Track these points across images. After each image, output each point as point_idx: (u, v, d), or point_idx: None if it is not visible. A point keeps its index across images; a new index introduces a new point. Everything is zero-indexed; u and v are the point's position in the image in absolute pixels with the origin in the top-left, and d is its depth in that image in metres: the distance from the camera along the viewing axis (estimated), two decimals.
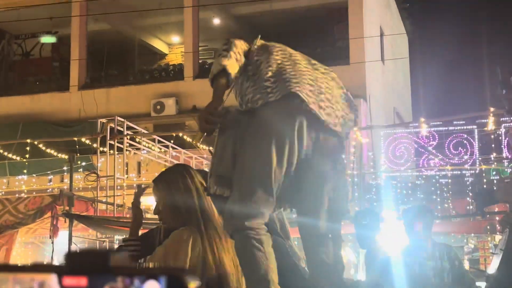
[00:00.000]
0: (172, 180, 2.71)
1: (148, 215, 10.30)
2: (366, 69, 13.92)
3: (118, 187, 10.32)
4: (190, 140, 12.07)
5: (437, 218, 9.80)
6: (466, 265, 11.41)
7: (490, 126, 9.59)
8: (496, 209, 9.02)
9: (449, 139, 12.54)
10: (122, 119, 10.77)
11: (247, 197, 2.50)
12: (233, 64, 2.57)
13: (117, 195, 10.03)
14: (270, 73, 2.57)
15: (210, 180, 2.61)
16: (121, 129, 10.75)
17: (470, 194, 10.58)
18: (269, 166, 2.50)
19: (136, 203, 2.91)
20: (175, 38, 17.79)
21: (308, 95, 2.52)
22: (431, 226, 4.51)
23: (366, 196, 11.54)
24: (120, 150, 10.68)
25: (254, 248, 2.47)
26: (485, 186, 10.25)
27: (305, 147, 2.55)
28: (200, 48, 16.02)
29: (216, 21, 16.66)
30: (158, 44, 18.10)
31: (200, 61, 15.90)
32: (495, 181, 10.06)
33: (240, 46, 2.66)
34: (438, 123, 12.29)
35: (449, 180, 11.69)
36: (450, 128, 12.57)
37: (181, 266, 2.49)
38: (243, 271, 2.56)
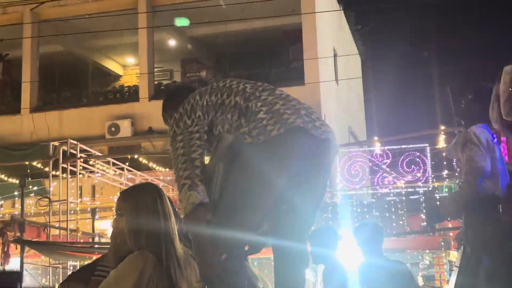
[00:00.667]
0: (141, 198, 2.64)
1: (103, 240, 10.12)
2: (321, 90, 14.12)
3: (72, 212, 10.11)
4: (146, 161, 11.95)
5: (391, 235, 9.96)
6: (421, 281, 11.60)
7: (442, 143, 9.84)
8: (450, 225, 9.22)
9: (402, 157, 12.81)
10: (75, 142, 10.58)
11: (235, 225, 2.44)
12: (200, 192, 2.46)
13: (71, 220, 9.82)
14: (260, 105, 2.53)
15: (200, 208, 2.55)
16: (75, 152, 10.55)
17: (424, 211, 10.79)
18: (264, 199, 2.46)
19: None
20: (130, 59, 17.67)
21: (304, 122, 2.46)
22: (381, 243, 4.57)
23: (323, 215, 11.62)
24: (73, 173, 10.48)
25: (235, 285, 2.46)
26: (438, 202, 10.48)
27: (310, 171, 2.53)
28: (155, 69, 15.95)
29: (172, 42, 16.65)
30: (112, 65, 17.94)
31: (156, 82, 15.83)
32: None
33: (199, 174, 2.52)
34: (392, 141, 12.52)
35: (403, 198, 11.91)
36: (403, 146, 12.84)
37: None
38: None
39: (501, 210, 2.54)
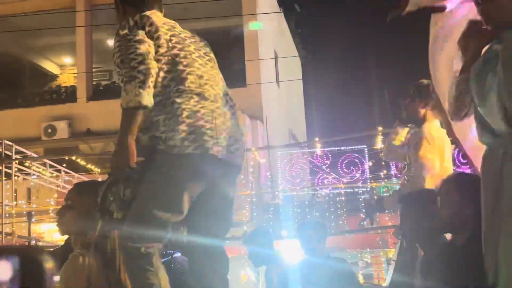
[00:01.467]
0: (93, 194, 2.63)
1: (40, 243, 9.83)
2: (262, 92, 14.22)
3: (7, 215, 9.77)
4: (84, 163, 11.69)
5: (331, 234, 10.14)
6: (361, 280, 11.84)
7: (379, 144, 10.09)
8: (390, 224, 9.46)
9: (341, 158, 13.07)
10: (11, 143, 10.23)
11: (145, 222, 2.49)
12: (150, 95, 2.47)
13: (6, 223, 9.49)
14: (186, 116, 2.54)
15: (112, 204, 2.56)
16: (10, 153, 10.20)
17: (363, 210, 11.05)
18: (170, 196, 2.53)
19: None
20: (68, 59, 17.25)
21: (223, 150, 2.58)
22: (325, 240, 4.65)
23: (265, 216, 11.71)
24: (8, 175, 10.13)
25: (147, 272, 2.47)
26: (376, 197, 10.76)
27: (214, 183, 2.62)
28: (94, 70, 15.63)
29: (111, 42, 16.29)
30: (49, 65, 17.45)
31: (94, 83, 15.51)
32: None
33: (153, 66, 2.52)
34: (331, 142, 12.74)
35: (343, 198, 12.16)
36: (342, 147, 13.11)
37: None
38: None
39: (438, 204, 2.65)
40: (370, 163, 12.84)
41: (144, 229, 2.47)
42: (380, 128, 9.26)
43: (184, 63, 2.62)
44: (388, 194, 10.05)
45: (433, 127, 3.67)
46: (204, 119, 2.55)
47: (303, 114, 22.05)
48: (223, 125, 2.61)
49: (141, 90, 2.41)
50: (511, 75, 2.26)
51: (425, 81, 3.67)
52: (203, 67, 2.71)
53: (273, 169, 13.43)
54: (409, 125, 3.84)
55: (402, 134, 3.90)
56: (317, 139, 10.70)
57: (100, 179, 3.16)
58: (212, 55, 2.92)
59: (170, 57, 2.59)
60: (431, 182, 3.41)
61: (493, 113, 2.31)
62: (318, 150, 11.74)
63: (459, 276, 2.43)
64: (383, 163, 12.26)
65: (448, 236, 2.82)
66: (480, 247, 2.32)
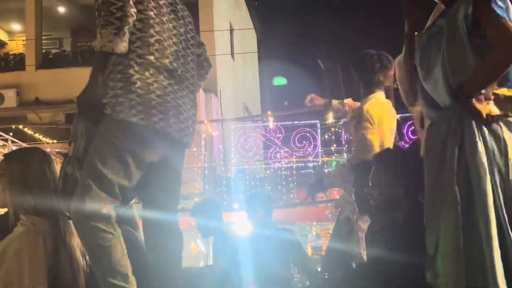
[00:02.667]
0: (29, 162, 2.56)
1: None
2: (217, 64, 14.13)
3: None
4: (32, 133, 11.41)
5: (281, 207, 10.26)
6: (310, 252, 12.07)
7: (331, 119, 10.18)
8: (338, 197, 9.61)
9: (294, 132, 13.18)
10: None
11: (94, 181, 2.46)
12: (125, 42, 2.46)
13: None
14: (138, 86, 2.51)
15: (69, 165, 2.54)
16: None
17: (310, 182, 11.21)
18: (116, 158, 2.51)
19: None
20: (16, 26, 16.68)
21: (169, 126, 2.57)
22: (271, 212, 4.70)
23: (217, 189, 11.74)
24: None
25: (102, 240, 2.44)
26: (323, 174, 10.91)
27: (158, 155, 2.62)
28: (43, 37, 15.18)
29: (61, 9, 15.88)
30: None
31: (44, 51, 15.08)
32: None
33: (131, 15, 2.47)
34: (285, 116, 12.82)
35: (294, 172, 12.30)
36: (295, 122, 13.20)
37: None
38: (93, 264, 2.52)
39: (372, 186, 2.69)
40: (323, 138, 13.01)
41: (95, 189, 2.45)
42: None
43: (157, 29, 2.58)
44: (332, 171, 10.17)
45: (375, 102, 3.52)
46: (155, 93, 2.53)
47: (258, 88, 22.05)
48: (173, 102, 2.59)
49: (115, 37, 2.41)
50: (455, 50, 2.31)
51: (365, 52, 3.56)
52: (172, 40, 2.67)
53: (226, 143, 13.44)
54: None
55: (330, 114, 3.85)
56: (269, 112, 10.72)
57: (36, 147, 3.07)
58: (190, 31, 2.85)
59: (144, 17, 2.55)
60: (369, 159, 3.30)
61: (438, 88, 2.36)
62: (271, 124, 11.79)
63: (400, 248, 2.50)
64: (333, 137, 12.43)
65: None
66: (418, 220, 2.38)
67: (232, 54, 16.63)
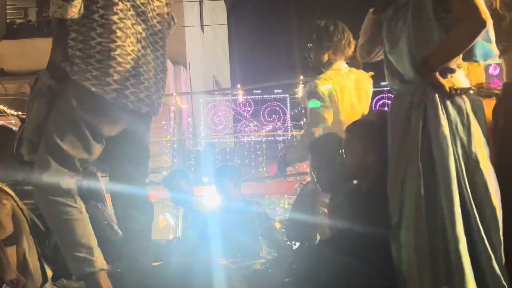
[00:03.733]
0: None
1: None
2: (186, 37, 13.96)
3: None
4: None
5: (250, 180, 10.30)
6: (278, 225, 12.19)
7: (300, 93, 10.20)
8: (308, 170, 9.66)
9: (264, 106, 13.17)
10: None
11: (52, 166, 2.44)
12: (75, 7, 2.42)
13: None
14: (97, 51, 2.47)
15: (23, 146, 2.50)
16: None
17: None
18: (73, 139, 2.50)
19: None
20: None
21: (125, 97, 2.53)
22: (239, 185, 4.72)
23: (186, 162, 11.70)
24: None
25: (64, 214, 2.43)
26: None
27: (119, 127, 2.60)
28: (7, 6, 14.76)
29: None
30: None
31: (8, 21, 14.68)
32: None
33: None
34: (258, 91, 12.79)
35: (264, 146, 12.33)
36: (265, 96, 13.19)
37: None
38: (57, 238, 2.51)
39: (343, 153, 2.71)
40: (293, 112, 13.03)
41: (54, 164, 2.43)
42: (301, 77, 9.36)
43: None
44: (292, 147, 10.22)
45: (332, 75, 3.38)
46: (115, 60, 2.48)
47: (228, 61, 21.90)
48: (134, 70, 2.55)
49: (64, 3, 2.38)
50: (420, 24, 2.33)
51: (322, 22, 3.40)
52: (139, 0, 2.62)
53: (196, 116, 13.37)
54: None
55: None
56: (239, 86, 10.69)
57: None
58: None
59: None
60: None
61: (403, 61, 2.39)
62: (241, 97, 11.76)
63: (364, 219, 2.53)
64: (303, 111, 12.47)
65: None
66: (384, 190, 2.42)
67: (202, 26, 16.45)
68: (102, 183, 3.86)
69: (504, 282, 2.13)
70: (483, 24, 2.22)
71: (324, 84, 3.32)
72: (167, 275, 2.92)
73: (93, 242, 2.48)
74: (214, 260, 3.23)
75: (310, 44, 3.41)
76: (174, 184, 4.75)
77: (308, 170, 3.96)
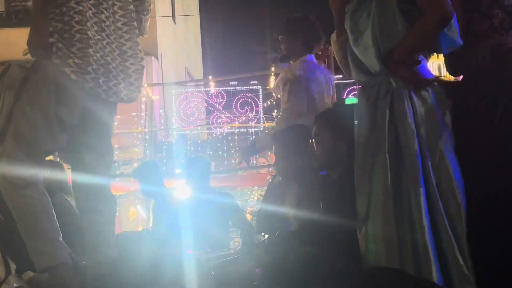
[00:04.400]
0: None
1: None
2: (158, 27, 13.83)
3: None
4: None
5: (223, 172, 10.29)
6: (249, 216, 12.22)
7: (272, 85, 10.21)
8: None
9: (236, 98, 13.14)
10: None
11: (17, 158, 2.40)
12: None
13: None
14: (77, 40, 2.44)
15: None
16: None
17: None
18: (39, 129, 2.47)
19: None
20: None
21: (100, 87, 2.52)
22: (208, 176, 4.71)
23: (158, 154, 11.64)
24: None
25: (28, 206, 2.41)
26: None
27: (85, 116, 2.57)
28: None
29: None
30: None
31: None
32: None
33: None
34: (232, 82, 12.75)
35: (236, 137, 12.32)
36: (238, 87, 13.16)
37: None
38: (20, 229, 2.48)
39: (313, 143, 2.72)
40: (265, 104, 13.03)
41: (19, 154, 2.39)
42: (273, 69, 9.37)
43: None
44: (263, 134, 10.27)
45: (306, 65, 3.48)
46: (92, 49, 2.46)
47: (200, 52, 21.78)
48: (103, 59, 2.52)
49: None
50: (384, 16, 2.34)
51: (293, 15, 3.51)
52: None
53: (168, 107, 13.28)
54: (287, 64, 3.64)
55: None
56: (210, 77, 10.66)
57: None
58: None
59: None
60: (298, 123, 3.29)
61: (368, 53, 2.39)
62: (213, 89, 11.71)
63: (334, 209, 2.55)
64: (275, 103, 12.49)
65: None
66: (352, 179, 2.44)
67: (173, 17, 16.32)
68: (70, 175, 3.83)
69: (466, 271, 2.16)
70: (448, 16, 2.24)
71: (301, 72, 3.41)
72: (135, 267, 2.91)
73: (57, 234, 2.46)
74: (183, 252, 3.23)
75: (281, 36, 3.48)
76: (145, 176, 4.72)
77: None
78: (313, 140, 2.71)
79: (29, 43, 2.45)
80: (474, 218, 2.27)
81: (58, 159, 3.64)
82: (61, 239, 2.48)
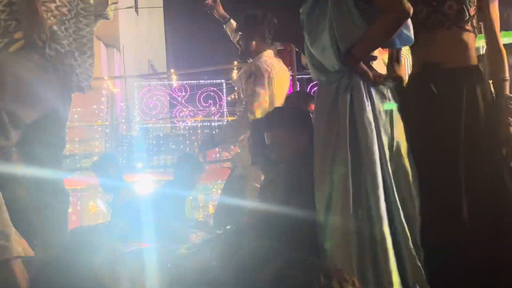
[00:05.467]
0: None
1: None
2: (120, 19, 13.64)
3: None
4: None
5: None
6: (211, 209, 12.19)
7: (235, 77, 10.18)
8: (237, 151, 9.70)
9: (199, 91, 13.08)
10: None
11: None
12: None
13: None
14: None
15: None
16: None
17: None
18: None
19: None
20: None
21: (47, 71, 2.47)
22: (199, 173, 4.68)
23: (119, 148, 11.49)
24: None
25: None
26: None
27: (39, 111, 2.53)
28: None
29: None
30: None
31: None
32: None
33: None
34: (193, 77, 12.68)
35: (199, 131, 12.26)
36: (201, 81, 13.10)
37: None
38: None
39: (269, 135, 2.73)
40: (229, 98, 13.01)
41: None
42: (235, 63, 9.35)
43: None
44: (222, 127, 10.28)
45: (267, 59, 3.55)
46: (56, 37, 2.43)
47: (163, 45, 21.60)
48: (63, 49, 2.49)
49: None
50: (341, 15, 2.35)
51: (252, 11, 3.58)
52: None
53: (130, 100, 13.13)
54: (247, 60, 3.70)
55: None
56: (172, 70, 10.58)
57: None
58: None
59: None
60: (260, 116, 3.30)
61: (326, 53, 2.41)
62: (175, 82, 11.63)
63: (291, 201, 2.56)
64: (238, 98, 12.47)
65: None
66: (310, 172, 2.45)
67: (136, 8, 16.13)
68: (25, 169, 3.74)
69: (418, 263, 2.22)
70: (406, 14, 2.28)
71: (265, 65, 3.49)
72: (88, 261, 2.86)
73: (9, 228, 2.39)
74: (140, 246, 3.20)
75: (240, 33, 3.55)
76: (103, 169, 4.66)
77: (235, 153, 3.98)
78: (269, 132, 2.71)
79: None
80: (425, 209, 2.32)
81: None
82: (13, 233, 2.42)
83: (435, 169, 2.40)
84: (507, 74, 2.46)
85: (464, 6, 2.49)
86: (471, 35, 2.52)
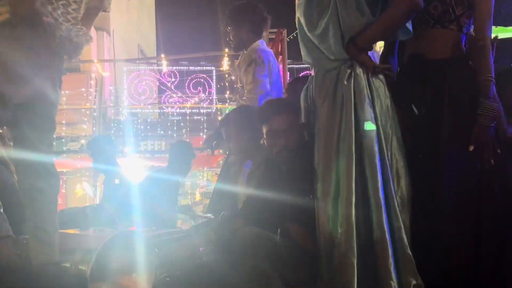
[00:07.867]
0: None
1: None
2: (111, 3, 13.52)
3: None
4: None
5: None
6: (199, 196, 12.20)
7: (225, 66, 10.16)
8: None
9: (189, 78, 13.03)
10: None
11: None
12: None
13: None
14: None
15: None
16: None
17: (205, 131, 11.23)
18: None
19: None
20: None
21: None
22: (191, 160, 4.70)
23: (107, 132, 11.45)
24: None
25: None
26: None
27: (28, 92, 2.51)
28: None
29: None
30: None
31: None
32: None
33: None
34: (183, 63, 12.62)
35: (188, 118, 12.24)
36: (191, 68, 13.04)
37: None
38: None
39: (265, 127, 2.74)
40: (218, 85, 12.97)
41: None
42: (226, 50, 9.31)
43: None
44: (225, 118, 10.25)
45: (264, 48, 3.57)
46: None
47: (154, 30, 21.45)
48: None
49: None
50: (347, 4, 2.36)
51: (237, 4, 3.56)
52: None
53: (119, 84, 13.05)
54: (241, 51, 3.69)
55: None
56: (163, 55, 10.51)
57: None
58: None
59: None
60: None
61: (327, 40, 2.40)
62: (165, 68, 11.57)
63: (280, 188, 2.56)
64: (227, 84, 12.45)
65: None
66: (303, 161, 2.45)
67: None
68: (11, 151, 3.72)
69: (409, 251, 2.24)
70: (418, 7, 2.29)
71: (263, 53, 3.47)
72: (77, 243, 2.86)
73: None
74: (128, 229, 3.19)
75: (229, 28, 3.53)
76: (98, 149, 4.62)
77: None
78: (274, 120, 2.69)
79: None
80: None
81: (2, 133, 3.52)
82: (2, 211, 2.42)
83: (419, 161, 2.42)
84: (492, 74, 2.47)
85: (450, 7, 2.51)
86: (457, 33, 2.53)
